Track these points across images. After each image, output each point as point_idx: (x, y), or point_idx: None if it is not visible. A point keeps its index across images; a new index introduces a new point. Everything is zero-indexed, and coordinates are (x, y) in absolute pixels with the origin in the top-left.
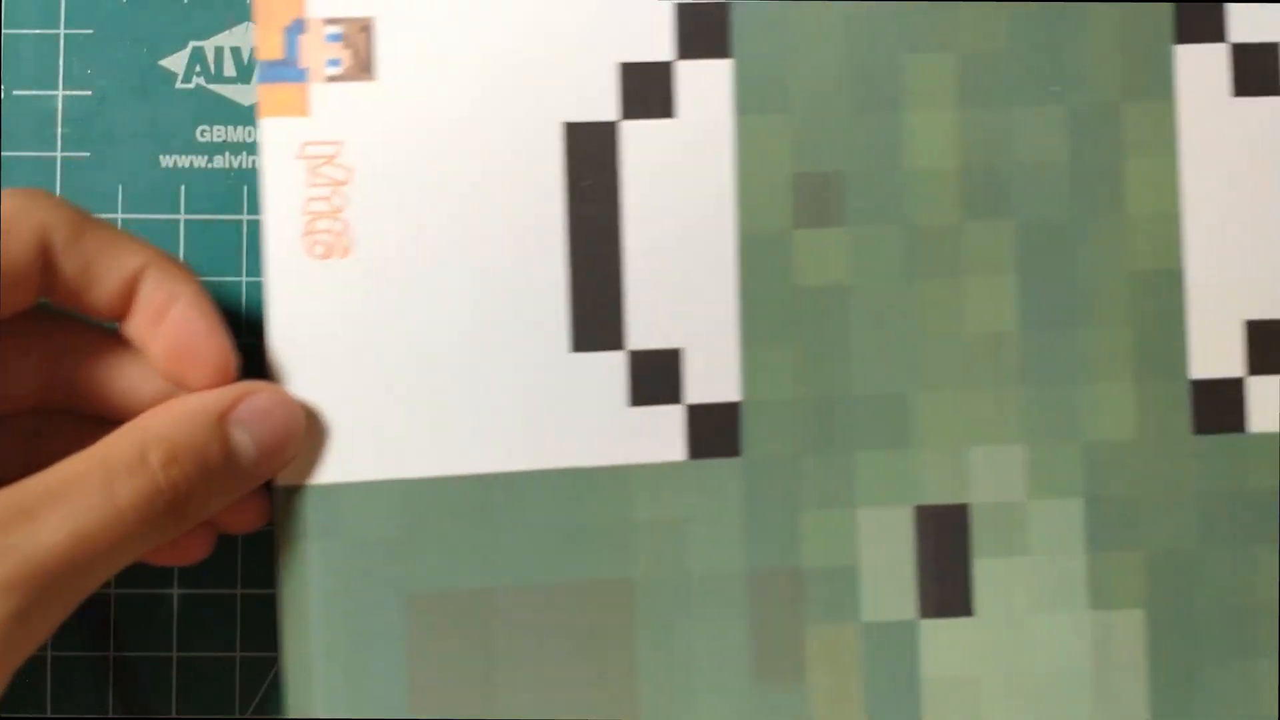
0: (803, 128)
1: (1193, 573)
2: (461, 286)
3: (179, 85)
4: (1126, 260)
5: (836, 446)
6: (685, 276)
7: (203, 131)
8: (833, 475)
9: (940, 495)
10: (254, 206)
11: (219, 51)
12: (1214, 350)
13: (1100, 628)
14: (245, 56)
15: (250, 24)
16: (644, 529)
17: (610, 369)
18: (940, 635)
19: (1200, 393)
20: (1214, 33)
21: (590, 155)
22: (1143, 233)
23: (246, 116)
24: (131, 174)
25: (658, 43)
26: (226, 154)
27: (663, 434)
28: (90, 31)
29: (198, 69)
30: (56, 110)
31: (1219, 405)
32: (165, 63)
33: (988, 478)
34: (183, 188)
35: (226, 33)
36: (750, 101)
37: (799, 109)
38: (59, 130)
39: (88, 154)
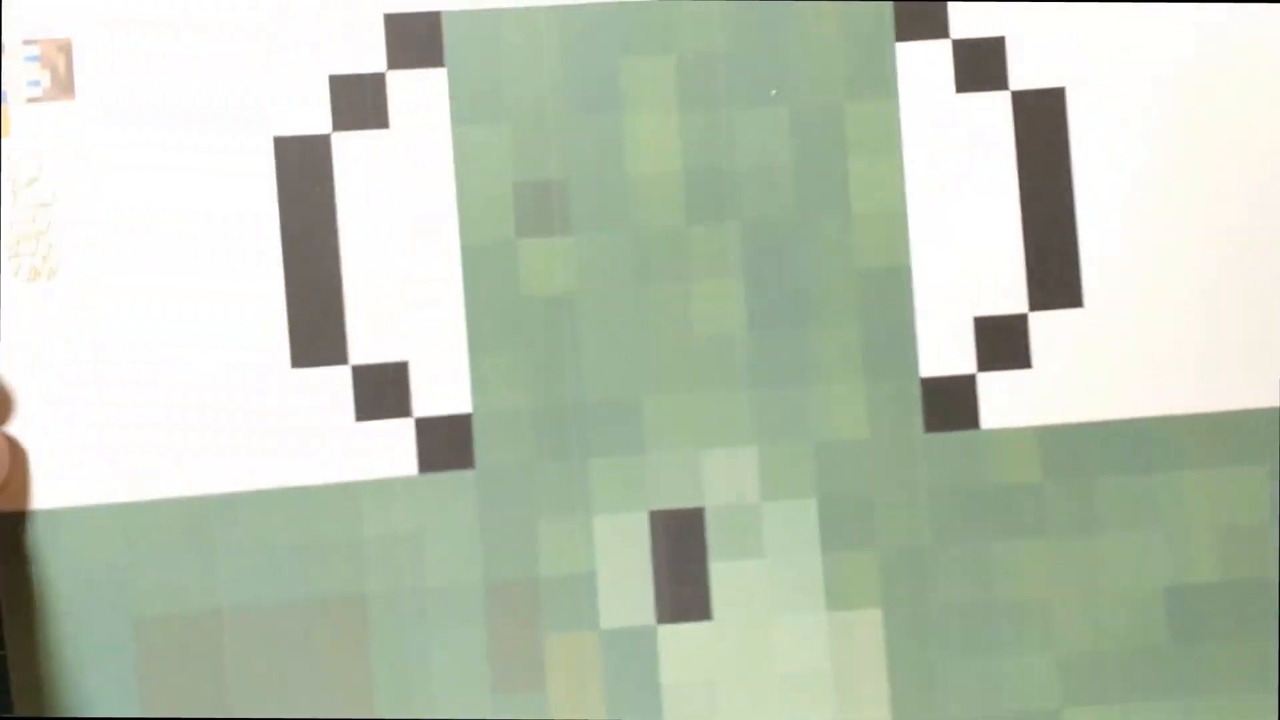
0: (521, 136)
1: (928, 571)
2: (175, 305)
3: None
4: (853, 259)
5: (571, 454)
6: (408, 289)
7: None
8: (568, 483)
9: (675, 499)
10: None
11: None
12: (944, 348)
13: (838, 628)
14: None
15: None
16: (376, 545)
17: (334, 384)
18: (679, 640)
19: (931, 390)
20: (936, 29)
21: (303, 169)
22: (868, 231)
23: None
24: None
25: (368, 54)
26: None
27: (392, 448)
28: None
29: None
30: None
31: (950, 403)
32: None
33: (721, 480)
34: None
35: None
36: (465, 111)
37: (516, 117)
38: None
39: None
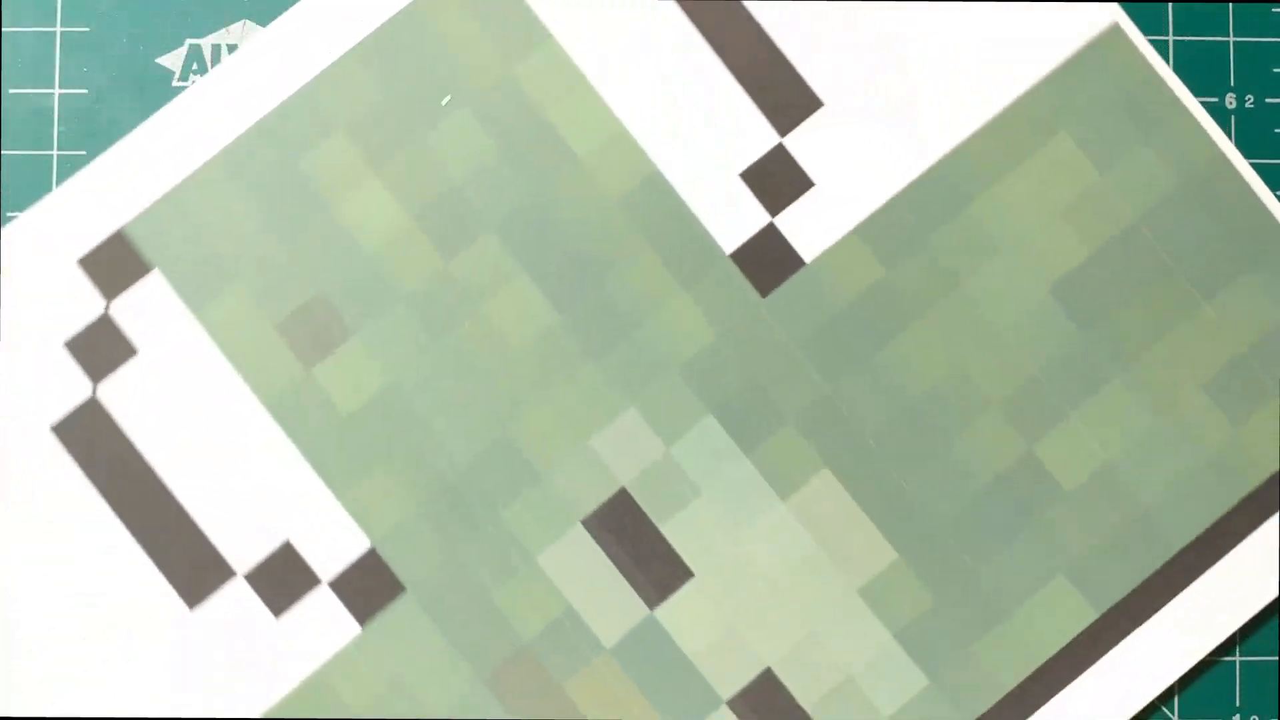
0: (258, 282)
1: (844, 412)
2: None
3: (176, 83)
4: (608, 195)
5: (481, 522)
6: (245, 477)
7: None
8: (495, 547)
9: (595, 497)
10: None
11: (216, 49)
12: (731, 218)
13: (802, 506)
14: None
15: (247, 21)
16: (369, 713)
17: (238, 602)
18: (678, 610)
19: (744, 260)
20: None
21: (88, 437)
22: (604, 163)
23: None
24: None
25: (86, 304)
26: None
27: (324, 622)
28: (87, 29)
29: (194, 67)
30: (53, 108)
31: (767, 260)
32: (162, 60)
33: (623, 454)
34: None
35: (223, 30)
36: (196, 295)
37: (242, 268)
38: (55, 128)
39: (84, 152)
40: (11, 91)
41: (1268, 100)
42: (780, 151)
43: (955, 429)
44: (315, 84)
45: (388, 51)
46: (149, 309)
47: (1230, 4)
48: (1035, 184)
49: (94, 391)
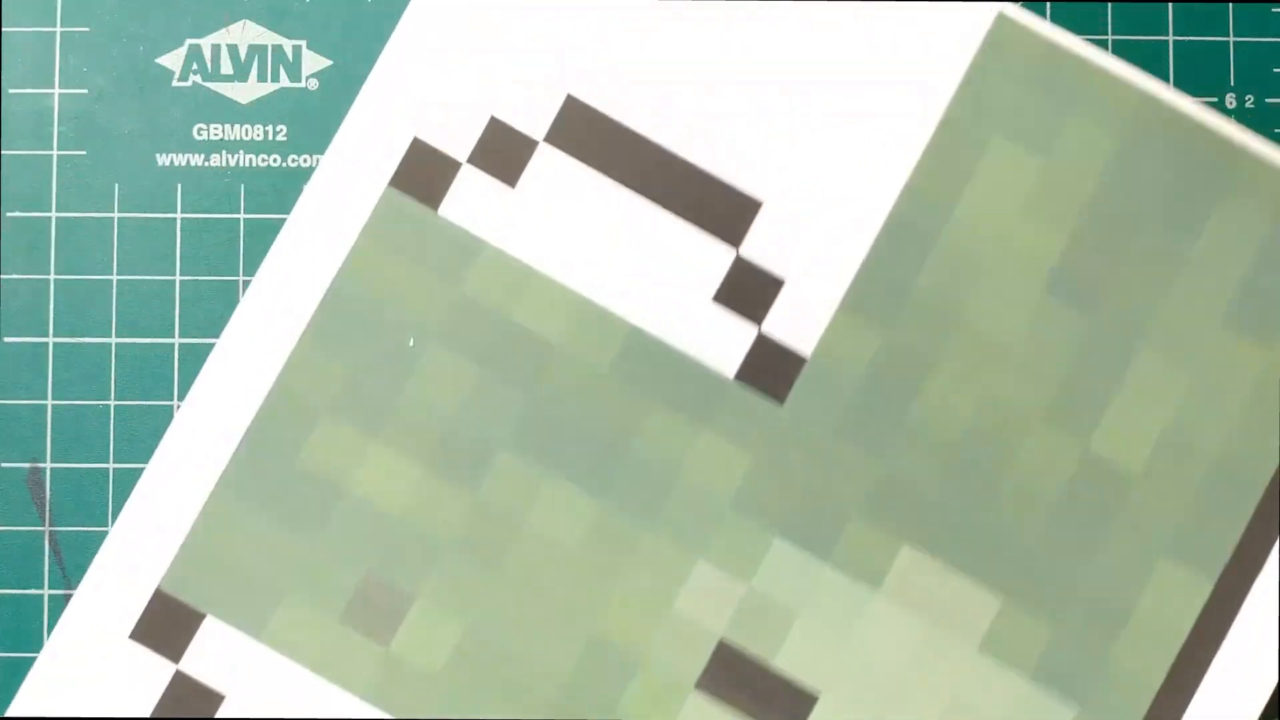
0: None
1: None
2: None
3: (175, 83)
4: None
5: None
6: None
7: (199, 130)
8: None
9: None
10: (251, 205)
11: (216, 49)
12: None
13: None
14: (242, 54)
15: (248, 21)
16: None
17: None
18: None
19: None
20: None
21: None
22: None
23: (244, 114)
24: (128, 172)
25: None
26: (223, 152)
27: None
28: (87, 29)
29: (194, 67)
30: (53, 108)
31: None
32: (162, 60)
33: (715, 611)
34: (179, 186)
35: (224, 30)
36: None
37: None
38: (55, 128)
39: (84, 152)
40: (11, 91)
41: (1268, 100)
42: (741, 263)
43: (1008, 456)
44: (281, 381)
45: (336, 324)
46: (218, 653)
47: (1230, 4)
48: (990, 194)
49: None
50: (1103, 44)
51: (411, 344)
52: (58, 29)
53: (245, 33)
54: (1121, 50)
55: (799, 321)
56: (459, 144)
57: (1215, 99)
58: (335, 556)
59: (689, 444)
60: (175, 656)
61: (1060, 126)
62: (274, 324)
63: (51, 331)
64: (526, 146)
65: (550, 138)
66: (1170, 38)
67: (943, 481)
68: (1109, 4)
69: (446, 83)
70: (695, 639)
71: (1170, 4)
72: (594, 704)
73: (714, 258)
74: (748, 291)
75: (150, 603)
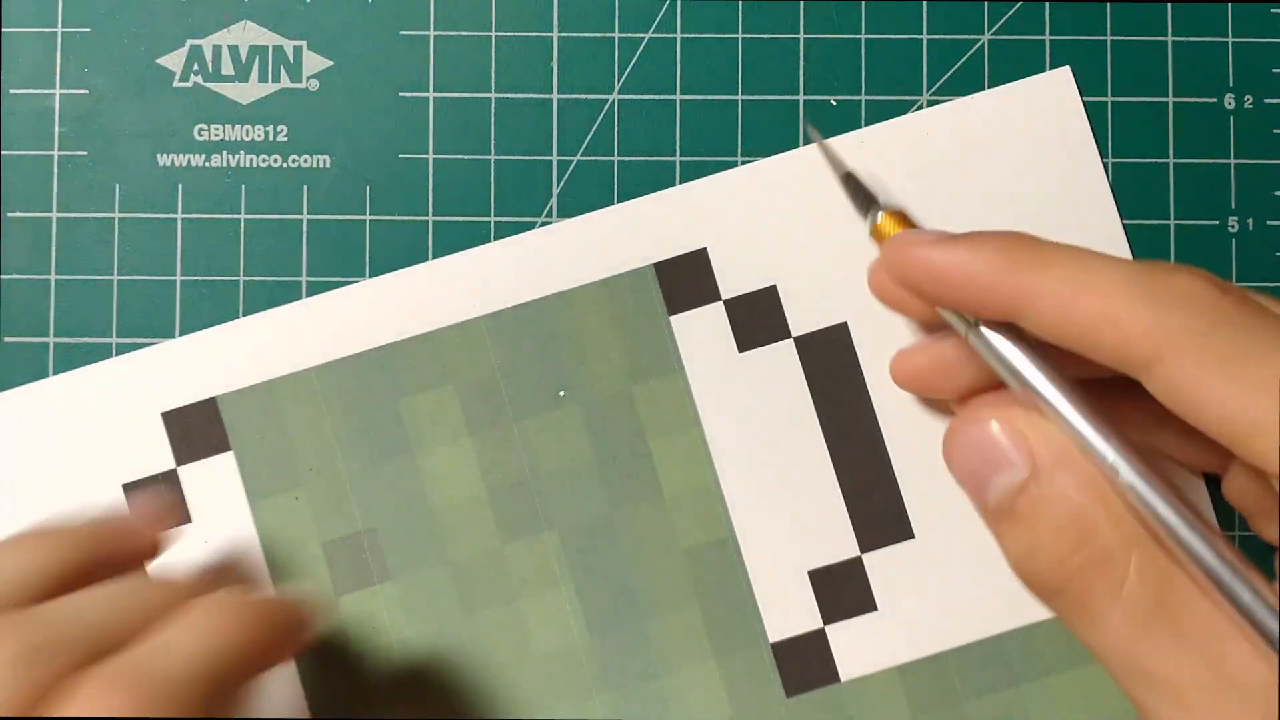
0: (319, 497)
1: None
2: None
3: (176, 84)
4: (676, 541)
5: None
6: None
7: (200, 130)
8: None
9: None
10: (252, 206)
11: (217, 50)
12: (786, 610)
13: None
14: (243, 54)
15: (248, 22)
16: None
17: None
18: None
19: (783, 654)
20: (707, 295)
21: None
22: (685, 510)
23: (245, 115)
24: (129, 172)
25: (156, 455)
26: (224, 153)
27: None
28: (87, 30)
29: (195, 67)
30: (54, 109)
31: (805, 662)
32: (163, 61)
33: None
34: (180, 186)
35: (224, 31)
36: (259, 486)
37: (311, 480)
38: (56, 129)
39: (85, 152)
40: (12, 92)
41: (1267, 101)
42: (857, 565)
43: None
44: (445, 333)
45: (523, 328)
46: (214, 485)
47: (1230, 4)
48: (1083, 688)
49: None
50: (1102, 44)
51: (561, 395)
52: (58, 29)
53: (246, 33)
54: (1121, 50)
55: (860, 649)
56: None
57: (1214, 99)
58: (362, 493)
59: (694, 662)
60: (181, 459)
61: None
62: (475, 285)
63: (52, 331)
64: None
65: None
66: (1170, 38)
67: None
68: (1108, 4)
69: None
70: None
71: (1170, 4)
72: None
73: (839, 543)
74: (841, 591)
75: (201, 403)
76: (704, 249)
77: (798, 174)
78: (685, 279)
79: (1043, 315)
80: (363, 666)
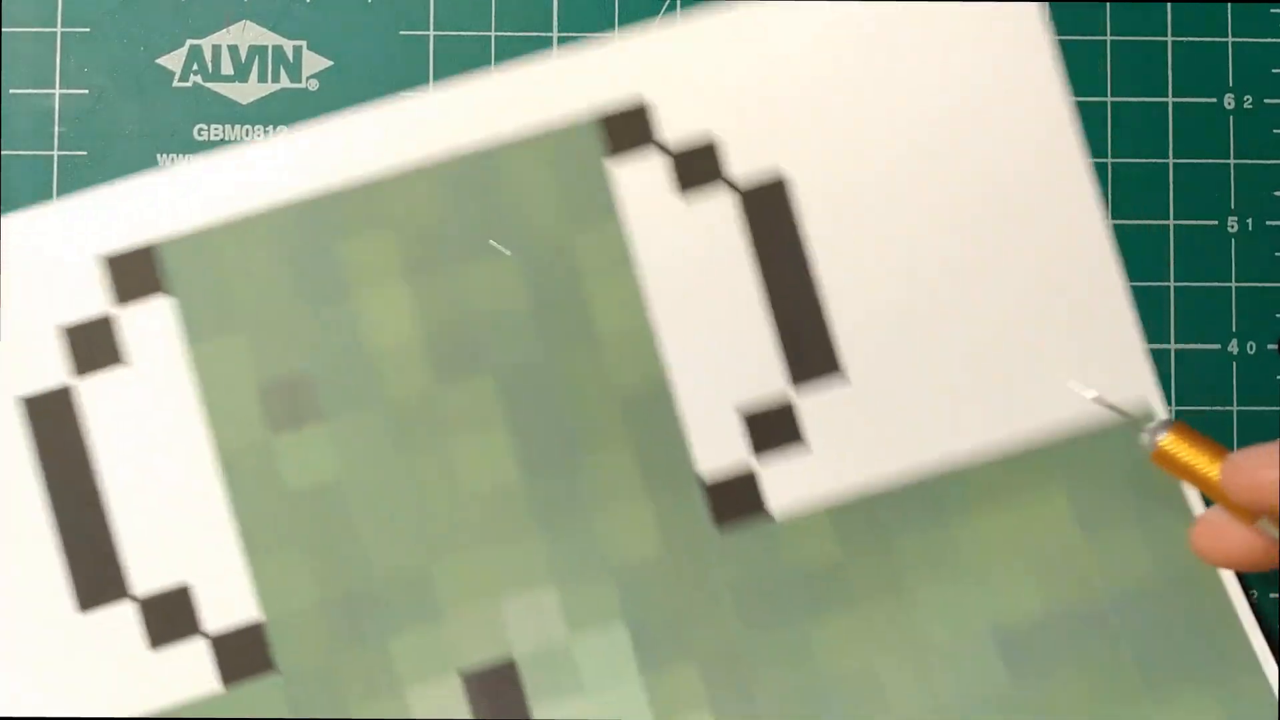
0: (257, 339)
1: (749, 668)
2: None
3: (176, 84)
4: (609, 382)
5: (369, 638)
6: (175, 511)
7: (200, 130)
8: (372, 667)
9: (483, 655)
10: None
11: (216, 50)
12: (716, 445)
13: None
14: (243, 55)
15: (248, 22)
16: None
17: (122, 620)
18: None
19: (713, 489)
20: (643, 137)
21: (53, 421)
22: (619, 351)
23: (244, 115)
24: (129, 172)
25: (92, 298)
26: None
27: (192, 670)
28: (87, 30)
29: (195, 67)
30: (54, 108)
31: (734, 497)
32: (162, 61)
33: (526, 627)
34: None
35: (224, 31)
36: (198, 329)
37: (249, 323)
38: (56, 129)
39: (85, 152)
40: (12, 92)
41: (1267, 101)
42: (785, 402)
43: None
44: (383, 181)
45: (462, 179)
46: (151, 328)
47: (1229, 4)
48: (1015, 529)
49: (72, 382)
50: (1102, 44)
51: (496, 244)
52: (58, 29)
53: (246, 33)
54: (1121, 50)
55: (790, 488)
56: None
57: (1214, 99)
58: (298, 336)
59: (625, 499)
60: (121, 300)
61: (1119, 526)
62: (414, 131)
63: None
64: None
65: None
66: (1169, 38)
67: (783, 699)
68: (1108, 4)
69: None
70: (493, 639)
71: (1170, 4)
72: (378, 616)
73: (769, 380)
74: (772, 429)
75: (140, 249)
76: (645, 98)
77: (744, 28)
78: (626, 128)
79: None
80: (298, 508)
